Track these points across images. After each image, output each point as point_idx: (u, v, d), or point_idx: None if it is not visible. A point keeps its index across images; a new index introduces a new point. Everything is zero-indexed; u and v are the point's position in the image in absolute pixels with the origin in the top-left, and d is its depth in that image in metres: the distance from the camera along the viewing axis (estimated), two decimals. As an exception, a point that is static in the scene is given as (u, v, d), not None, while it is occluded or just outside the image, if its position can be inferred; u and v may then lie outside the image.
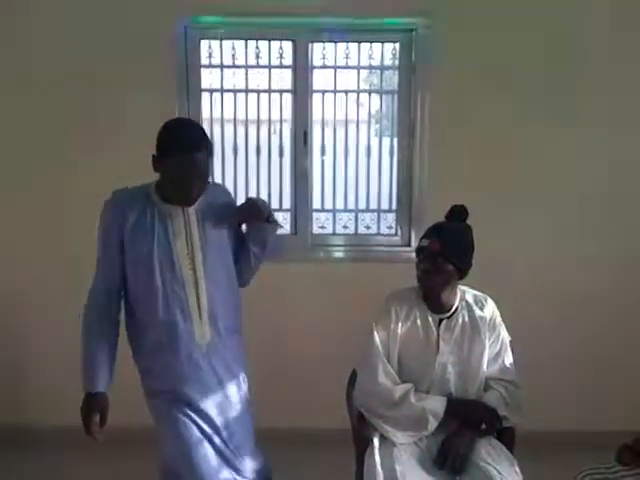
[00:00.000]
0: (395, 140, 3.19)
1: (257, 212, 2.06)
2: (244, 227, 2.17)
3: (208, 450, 1.97)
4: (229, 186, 3.21)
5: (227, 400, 2.04)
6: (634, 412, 2.15)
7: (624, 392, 3.01)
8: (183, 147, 1.83)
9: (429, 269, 2.07)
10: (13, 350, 3.11)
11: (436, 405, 2.09)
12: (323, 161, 3.22)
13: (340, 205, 3.27)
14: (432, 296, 2.15)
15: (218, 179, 3.21)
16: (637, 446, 2.03)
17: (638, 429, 2.03)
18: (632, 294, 3.04)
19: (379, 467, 1.98)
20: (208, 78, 3.14)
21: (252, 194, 3.22)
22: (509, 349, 2.23)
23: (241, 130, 3.18)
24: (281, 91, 3.14)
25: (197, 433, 1.96)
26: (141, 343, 2.02)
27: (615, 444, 2.03)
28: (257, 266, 2.19)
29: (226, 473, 2.00)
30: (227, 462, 2.02)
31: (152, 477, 2.03)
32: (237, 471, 2.04)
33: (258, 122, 3.18)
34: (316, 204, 3.24)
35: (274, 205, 3.23)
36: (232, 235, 2.10)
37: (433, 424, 2.07)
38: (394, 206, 3.23)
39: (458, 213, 2.16)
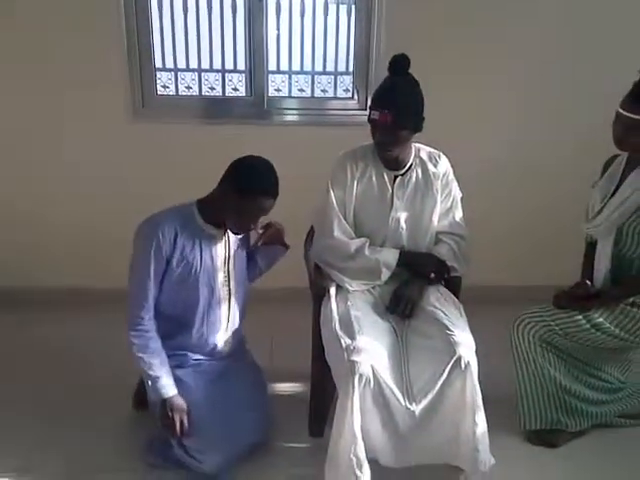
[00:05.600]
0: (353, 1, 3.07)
1: (280, 238, 2.29)
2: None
3: None
4: (180, 49, 3.08)
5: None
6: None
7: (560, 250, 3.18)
8: (270, 193, 1.95)
9: (385, 141, 2.06)
10: None
11: (389, 257, 2.19)
12: (279, 21, 3.07)
13: (296, 67, 3.18)
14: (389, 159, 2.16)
15: (168, 40, 3.06)
16: (573, 292, 2.21)
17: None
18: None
19: (335, 313, 2.10)
20: None
21: (205, 54, 3.10)
22: (460, 205, 2.31)
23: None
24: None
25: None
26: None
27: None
28: (256, 280, 2.35)
29: None
30: None
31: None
32: None
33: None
34: (272, 66, 3.13)
35: (228, 66, 3.13)
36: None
37: (386, 274, 2.18)
38: (351, 68, 3.17)
39: (400, 63, 2.03)
